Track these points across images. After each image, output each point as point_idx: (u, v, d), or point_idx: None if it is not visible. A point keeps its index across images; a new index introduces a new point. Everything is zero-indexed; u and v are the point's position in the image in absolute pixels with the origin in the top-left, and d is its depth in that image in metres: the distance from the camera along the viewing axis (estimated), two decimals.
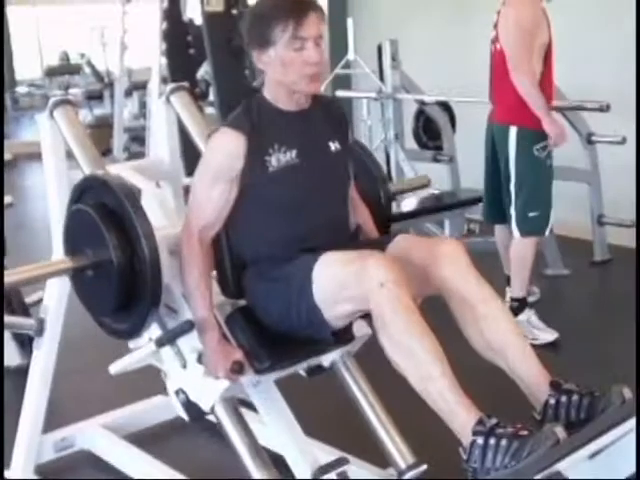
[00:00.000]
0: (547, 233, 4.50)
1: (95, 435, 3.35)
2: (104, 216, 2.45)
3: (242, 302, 2.60)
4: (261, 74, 2.51)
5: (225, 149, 2.47)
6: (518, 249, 4.40)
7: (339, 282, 2.32)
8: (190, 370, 2.52)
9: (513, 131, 4.35)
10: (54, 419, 3.26)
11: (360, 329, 2.60)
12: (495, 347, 2.39)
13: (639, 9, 5.09)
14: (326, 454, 2.83)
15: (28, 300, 4.08)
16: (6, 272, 2.58)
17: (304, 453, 2.62)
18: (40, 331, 2.97)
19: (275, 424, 2.65)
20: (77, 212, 2.55)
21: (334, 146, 2.58)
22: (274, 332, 2.50)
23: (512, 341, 2.39)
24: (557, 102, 5.29)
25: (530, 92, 4.24)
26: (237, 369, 2.42)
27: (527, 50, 4.24)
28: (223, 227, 2.53)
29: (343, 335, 2.53)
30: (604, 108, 5.00)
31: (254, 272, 2.53)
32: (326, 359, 2.74)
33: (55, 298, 2.95)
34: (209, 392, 2.51)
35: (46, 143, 2.93)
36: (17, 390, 3.16)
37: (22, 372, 3.25)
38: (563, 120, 5.07)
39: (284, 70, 2.42)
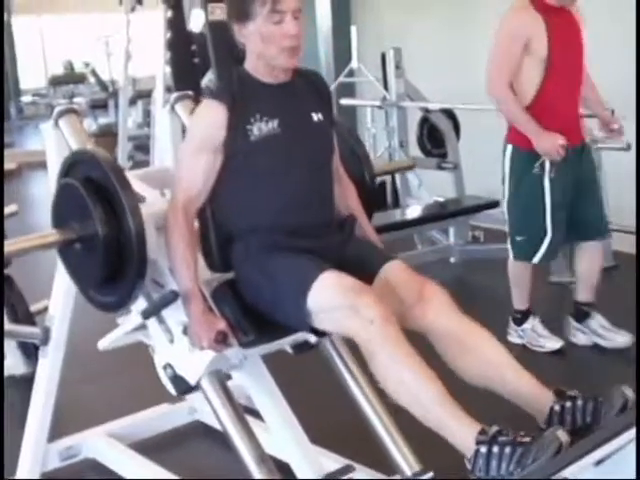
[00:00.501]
0: (537, 260, 4.18)
1: (101, 443, 3.34)
2: (91, 190, 2.49)
3: (228, 276, 2.61)
4: (242, 47, 2.54)
5: (207, 119, 2.53)
6: (510, 269, 4.31)
7: (333, 307, 2.35)
8: (177, 344, 2.55)
9: (508, 150, 4.30)
10: (60, 428, 3.26)
11: None
12: (489, 373, 2.40)
13: (639, 10, 5.09)
14: (332, 462, 2.83)
15: (33, 309, 4.08)
16: None
17: (310, 461, 2.62)
18: (45, 340, 2.97)
19: (281, 432, 2.66)
20: (65, 186, 2.59)
21: (317, 116, 2.61)
22: (259, 311, 2.53)
23: (504, 362, 2.41)
24: None
25: (504, 108, 4.16)
26: (221, 339, 2.45)
27: (505, 62, 4.10)
28: (208, 200, 2.56)
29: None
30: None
31: (241, 248, 2.55)
32: (312, 336, 2.75)
33: (60, 307, 2.95)
34: (195, 365, 2.53)
35: (51, 152, 2.93)
36: (23, 399, 3.16)
37: (28, 381, 3.25)
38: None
39: (263, 44, 2.47)
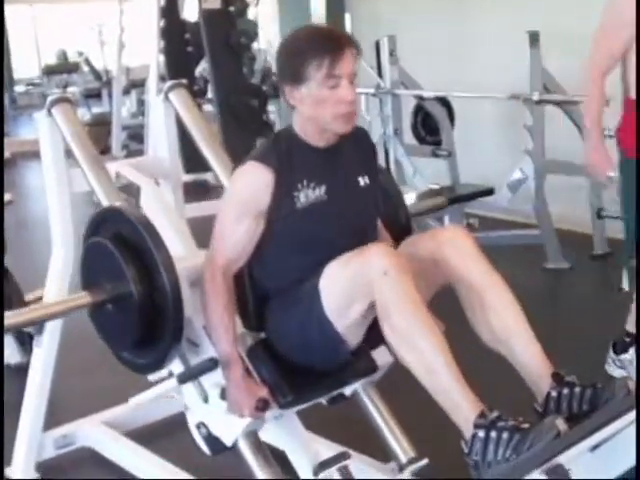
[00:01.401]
0: None
1: (96, 432, 3.34)
2: (123, 248, 2.41)
3: (263, 335, 2.55)
4: (292, 109, 2.45)
5: (253, 184, 2.40)
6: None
7: (343, 282, 2.30)
8: (212, 405, 2.48)
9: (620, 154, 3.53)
10: (55, 416, 3.27)
11: (382, 358, 2.58)
12: (500, 337, 2.39)
13: (639, 9, 5.08)
14: (327, 449, 2.83)
15: (28, 297, 4.08)
16: (20, 310, 2.58)
17: (305, 448, 2.62)
18: (40, 329, 2.96)
19: (277, 421, 2.65)
20: (94, 245, 2.50)
21: (363, 181, 2.53)
22: (295, 364, 2.46)
23: (517, 331, 2.39)
24: (557, 96, 5.31)
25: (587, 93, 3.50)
26: (262, 406, 2.38)
27: (605, 46, 3.47)
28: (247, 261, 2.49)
29: (364, 366, 2.55)
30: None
31: (274, 304, 2.49)
32: (348, 389, 2.73)
33: (55, 296, 2.94)
34: (232, 427, 2.46)
35: (45, 141, 2.93)
36: (18, 388, 3.16)
37: (22, 370, 3.25)
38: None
39: (317, 108, 2.36)
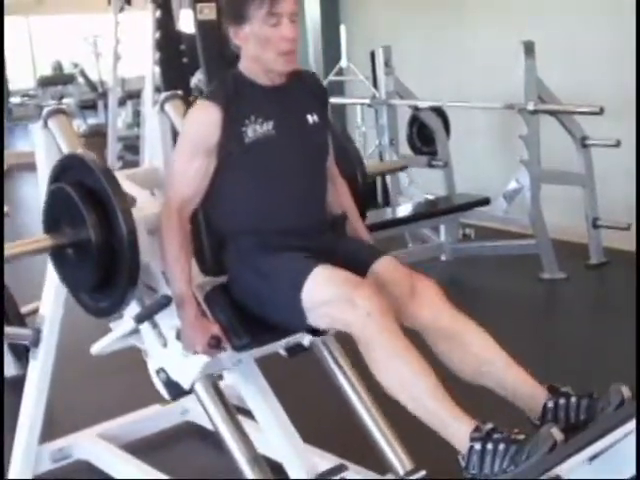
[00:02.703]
0: None
1: (93, 445, 3.33)
2: (82, 194, 2.47)
3: (220, 280, 2.60)
4: (237, 49, 2.52)
5: (201, 121, 2.50)
6: None
7: (327, 301, 2.33)
8: (170, 348, 2.54)
9: None
10: (51, 429, 3.26)
11: None
12: (482, 369, 2.39)
13: (639, 10, 5.10)
14: (324, 461, 2.83)
15: (24, 310, 4.07)
16: None
17: (302, 460, 2.62)
18: (36, 341, 2.96)
19: (273, 431, 2.65)
20: (56, 191, 2.57)
21: (312, 118, 2.59)
22: (253, 314, 2.51)
23: (497, 358, 2.40)
24: (551, 106, 5.33)
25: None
26: (214, 343, 2.43)
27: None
28: (200, 202, 2.54)
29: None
30: (598, 111, 5.02)
31: (234, 250, 2.54)
32: (305, 338, 2.74)
33: (51, 308, 2.94)
34: (189, 369, 2.52)
35: (40, 153, 2.93)
36: (14, 401, 3.15)
37: (18, 383, 3.24)
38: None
39: (260, 46, 2.44)
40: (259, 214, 2.51)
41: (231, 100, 2.48)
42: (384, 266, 2.52)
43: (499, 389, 2.39)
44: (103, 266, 2.46)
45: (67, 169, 2.59)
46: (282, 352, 2.76)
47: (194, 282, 2.53)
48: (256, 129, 2.48)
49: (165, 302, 2.47)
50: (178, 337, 2.50)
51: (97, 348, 2.70)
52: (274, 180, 2.51)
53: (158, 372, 2.58)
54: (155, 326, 2.56)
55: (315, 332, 2.53)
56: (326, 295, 2.33)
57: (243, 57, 2.53)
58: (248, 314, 2.51)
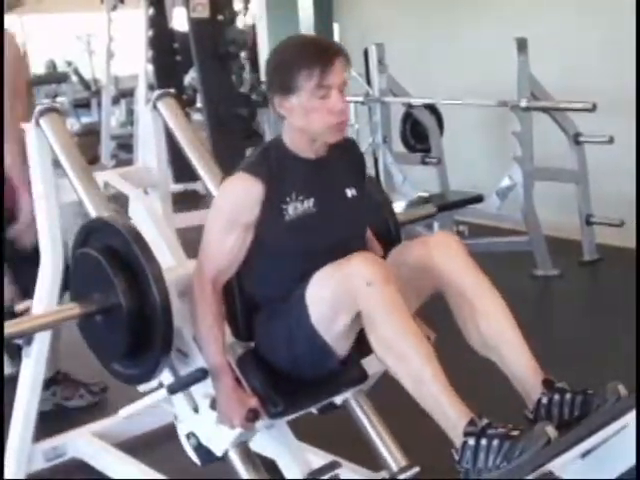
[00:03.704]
0: None
1: (87, 443, 3.33)
2: (111, 259, 2.40)
3: (252, 344, 2.54)
4: (281, 120, 2.44)
5: (242, 196, 2.38)
6: None
7: (329, 293, 2.29)
8: (202, 415, 2.47)
9: None
10: (45, 428, 3.25)
11: (372, 366, 2.57)
12: (490, 343, 2.39)
13: (639, 8, 5.11)
14: (318, 458, 2.83)
15: (17, 309, 4.06)
16: (10, 322, 2.56)
17: (296, 457, 2.61)
18: (29, 340, 2.95)
19: (268, 431, 2.65)
20: (83, 256, 2.49)
21: (351, 192, 2.52)
22: (285, 374, 2.45)
23: (507, 338, 2.39)
24: (544, 102, 5.33)
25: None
26: (252, 417, 2.37)
27: None
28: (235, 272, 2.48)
29: (354, 373, 2.54)
30: (591, 108, 5.02)
31: (263, 314, 2.49)
32: (339, 399, 2.72)
33: (43, 307, 2.93)
34: (222, 438, 2.45)
35: (33, 151, 2.92)
36: (7, 399, 3.14)
37: (12, 381, 3.23)
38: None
39: (307, 118, 2.35)
40: (294, 285, 2.40)
41: (273, 176, 2.39)
42: (393, 251, 2.52)
43: (502, 366, 2.39)
44: (135, 333, 2.37)
45: (93, 233, 2.51)
46: (314, 411, 2.71)
47: (226, 344, 2.47)
48: (297, 207, 2.40)
49: (201, 376, 2.39)
50: (212, 407, 2.42)
51: (127, 412, 2.64)
52: (313, 257, 2.40)
53: (188, 437, 2.52)
54: (187, 393, 2.49)
55: (351, 379, 2.51)
56: (326, 290, 2.29)
57: (286, 128, 2.44)
58: (281, 377, 2.44)
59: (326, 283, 2.30)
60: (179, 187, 6.73)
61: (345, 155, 2.55)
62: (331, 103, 2.33)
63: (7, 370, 3.98)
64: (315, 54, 2.32)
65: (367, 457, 2.80)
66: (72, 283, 2.57)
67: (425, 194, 6.04)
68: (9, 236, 3.44)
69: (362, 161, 2.66)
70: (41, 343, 2.95)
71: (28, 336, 2.88)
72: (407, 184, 6.12)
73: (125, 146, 9.21)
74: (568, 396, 2.28)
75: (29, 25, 16.82)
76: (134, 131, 8.05)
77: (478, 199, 5.68)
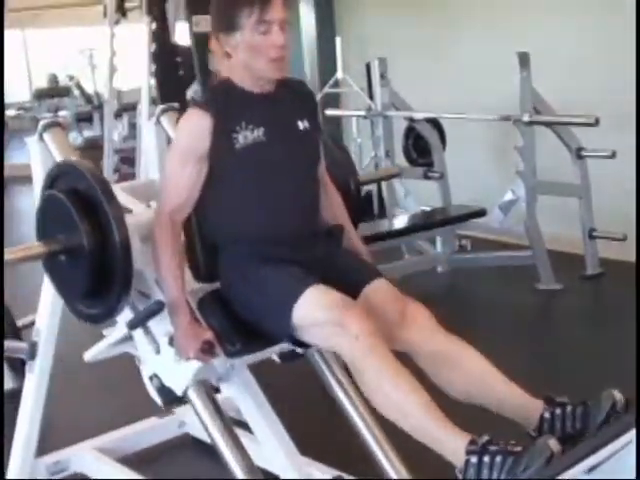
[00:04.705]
0: None
1: (89, 458, 3.32)
2: (76, 201, 2.48)
3: (214, 286, 2.61)
4: (227, 58, 2.52)
5: (192, 128, 2.52)
6: None
7: (318, 322, 2.35)
8: (163, 354, 2.55)
9: None
10: (47, 442, 3.25)
11: None
12: (474, 387, 2.39)
13: (639, 20, 5.11)
14: (321, 472, 2.83)
15: (20, 323, 4.06)
16: None
17: (299, 472, 2.61)
18: (32, 354, 2.95)
19: (269, 443, 2.64)
20: (49, 198, 2.58)
21: (302, 125, 2.61)
22: (246, 321, 2.52)
23: (491, 379, 2.40)
24: (547, 117, 5.34)
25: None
26: (207, 349, 2.45)
27: None
28: (193, 209, 2.55)
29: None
30: (593, 122, 5.03)
31: (226, 258, 2.55)
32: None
33: (47, 321, 2.93)
34: (182, 375, 2.53)
35: (36, 166, 2.92)
36: (10, 414, 3.14)
37: (15, 396, 3.23)
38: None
39: (251, 54, 2.46)
40: (251, 221, 2.53)
41: (221, 107, 2.50)
42: (375, 290, 2.52)
43: (492, 406, 2.39)
44: (96, 273, 2.47)
45: (60, 176, 2.60)
46: (276, 358, 2.76)
47: (187, 288, 2.54)
48: (247, 136, 2.50)
49: (157, 308, 2.49)
50: (171, 343, 2.50)
51: (90, 355, 2.72)
52: (265, 186, 2.52)
53: (151, 378, 2.59)
54: (148, 332, 2.57)
55: (303, 345, 2.52)
56: (317, 317, 2.35)
57: (233, 65, 2.53)
58: (240, 321, 2.52)
59: (318, 311, 2.35)
60: None
61: (295, 93, 2.65)
62: (272, 38, 2.44)
63: (11, 385, 3.98)
64: None
65: (370, 471, 2.79)
66: (38, 224, 2.63)
67: (427, 208, 6.05)
68: None
69: (313, 100, 2.76)
70: (44, 358, 2.95)
71: (31, 349, 2.90)
72: (410, 198, 6.12)
73: (128, 160, 9.20)
74: (569, 409, 2.29)
75: (31, 39, 16.90)
76: (137, 145, 8.07)
77: (481, 213, 5.68)
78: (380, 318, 2.42)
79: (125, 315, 2.58)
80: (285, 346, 2.65)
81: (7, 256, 2.65)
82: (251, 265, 2.49)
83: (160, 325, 2.53)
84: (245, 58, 2.48)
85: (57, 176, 2.61)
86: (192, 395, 2.54)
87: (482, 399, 2.40)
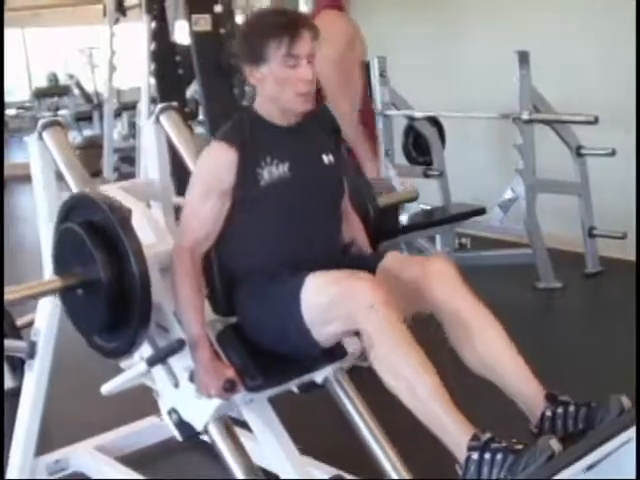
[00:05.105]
0: None
1: (89, 457, 3.32)
2: (92, 234, 2.43)
3: (233, 319, 2.57)
4: (253, 89, 2.50)
5: (216, 163, 2.46)
6: None
7: (327, 303, 2.31)
8: (182, 389, 2.50)
9: None
10: (47, 442, 3.24)
11: (352, 345, 2.57)
12: (488, 364, 2.39)
13: (639, 17, 5.11)
14: (321, 472, 2.82)
15: (19, 322, 4.06)
16: None
17: (299, 471, 2.61)
18: (32, 354, 2.95)
19: (269, 443, 2.64)
20: (65, 231, 2.54)
21: (327, 159, 2.57)
22: (265, 350, 2.48)
23: (505, 357, 2.39)
24: (546, 115, 5.34)
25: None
26: (229, 387, 2.39)
27: None
28: (214, 242, 2.52)
29: (334, 352, 2.53)
30: (593, 120, 5.02)
31: (246, 289, 2.50)
32: (319, 375, 2.72)
33: (46, 320, 2.93)
34: (202, 411, 2.48)
35: (36, 165, 2.92)
36: (9, 413, 3.14)
37: (14, 395, 3.23)
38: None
39: (277, 87, 2.42)
40: (271, 254, 2.48)
41: (247, 141, 2.45)
42: (391, 259, 2.52)
43: (501, 386, 2.39)
44: (114, 306, 2.41)
45: (75, 208, 2.54)
46: (295, 389, 2.72)
47: (206, 320, 2.49)
48: (272, 171, 2.45)
49: (178, 347, 2.43)
50: (191, 379, 2.45)
51: (108, 388, 2.67)
52: (289, 222, 2.48)
53: (170, 413, 2.55)
54: (167, 367, 2.51)
55: (326, 356, 2.50)
56: (324, 297, 2.31)
57: (258, 97, 2.50)
58: (261, 352, 2.47)
59: (326, 290, 2.32)
60: (181, 200, 6.72)
61: (320, 124, 2.61)
62: (300, 72, 2.40)
63: (10, 384, 3.98)
64: (284, 24, 2.39)
65: (370, 470, 2.79)
66: (54, 257, 2.60)
67: (427, 207, 6.04)
68: None
69: (337, 129, 2.72)
70: (44, 357, 2.95)
71: (30, 349, 2.90)
72: None
73: (127, 159, 9.21)
74: (572, 409, 2.28)
75: (31, 38, 16.90)
76: (136, 144, 8.06)
77: (480, 212, 5.67)
78: (400, 284, 2.40)
79: (144, 349, 2.53)
80: (305, 378, 2.65)
81: (24, 292, 2.62)
82: (265, 287, 2.45)
83: (180, 360, 2.48)
84: (272, 91, 2.44)
85: (72, 208, 2.55)
86: (212, 431, 2.49)
87: (493, 377, 2.40)
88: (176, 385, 2.51)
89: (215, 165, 2.47)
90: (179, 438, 2.57)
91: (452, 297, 2.42)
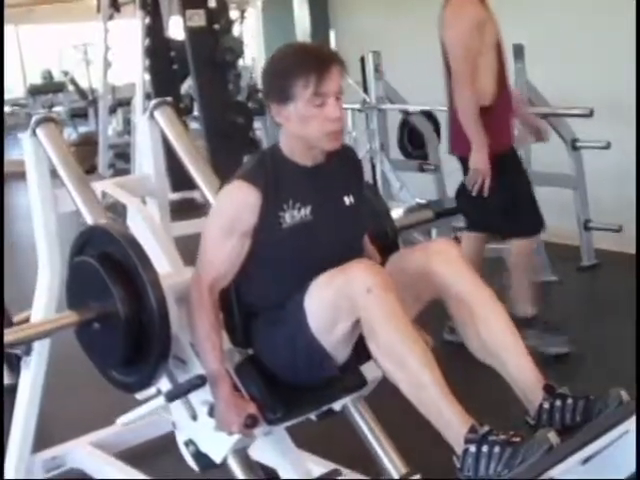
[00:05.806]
0: None
1: (86, 453, 3.32)
2: (108, 267, 2.39)
3: (250, 351, 2.54)
4: (278, 127, 2.44)
5: (239, 204, 2.39)
6: None
7: (327, 300, 2.30)
8: (200, 422, 2.46)
9: None
10: (44, 438, 3.24)
11: (370, 372, 2.57)
12: (491, 349, 2.39)
13: (638, 16, 5.11)
14: (319, 466, 2.82)
15: (16, 319, 4.05)
16: (8, 330, 2.55)
17: (296, 466, 2.61)
18: (28, 350, 2.94)
19: (267, 438, 2.64)
20: (80, 264, 2.49)
21: (349, 200, 2.52)
22: (284, 380, 2.45)
23: (508, 343, 2.39)
24: (542, 108, 5.33)
25: None
26: (251, 423, 2.35)
27: None
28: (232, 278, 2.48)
29: (353, 379, 2.55)
30: (588, 114, 5.02)
31: (261, 319, 2.48)
32: (337, 404, 2.70)
33: (42, 317, 2.92)
34: (220, 444, 2.44)
35: (30, 161, 2.92)
36: (6, 410, 3.14)
37: (11, 391, 3.22)
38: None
39: (304, 126, 2.35)
40: (290, 293, 2.41)
41: (270, 183, 2.39)
42: (396, 253, 2.51)
43: (502, 372, 2.39)
44: (132, 340, 2.37)
45: (90, 241, 2.51)
46: (313, 417, 2.70)
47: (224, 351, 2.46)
48: (294, 215, 2.41)
49: (199, 383, 2.38)
50: (211, 414, 2.41)
51: (124, 420, 2.65)
52: (308, 261, 2.42)
53: (187, 444, 2.51)
54: (185, 400, 2.47)
55: (350, 385, 2.50)
56: (324, 298, 2.30)
57: (283, 135, 2.45)
58: (279, 384, 2.44)
59: (325, 290, 2.30)
60: (177, 196, 6.72)
61: (343, 162, 2.55)
62: (328, 111, 2.33)
63: (6, 381, 3.97)
64: (311, 62, 2.32)
65: (368, 465, 2.80)
66: (69, 291, 2.56)
67: (422, 201, 6.04)
68: None
69: (360, 168, 2.66)
70: (40, 354, 2.95)
71: (26, 344, 2.88)
72: (404, 191, 6.11)
73: (122, 155, 9.21)
74: (570, 401, 2.27)
75: (25, 35, 16.87)
76: (131, 140, 8.06)
77: None
78: (405, 276, 2.40)
79: (162, 382, 2.50)
80: (325, 407, 2.64)
81: (40, 327, 2.63)
82: (277, 315, 2.43)
83: (199, 394, 2.43)
84: (298, 129, 2.37)
85: (86, 241, 2.51)
86: (232, 463, 2.46)
87: (494, 362, 2.40)
88: (194, 418, 2.48)
89: (238, 205, 2.39)
90: (196, 469, 2.53)
91: (456, 278, 2.41)
